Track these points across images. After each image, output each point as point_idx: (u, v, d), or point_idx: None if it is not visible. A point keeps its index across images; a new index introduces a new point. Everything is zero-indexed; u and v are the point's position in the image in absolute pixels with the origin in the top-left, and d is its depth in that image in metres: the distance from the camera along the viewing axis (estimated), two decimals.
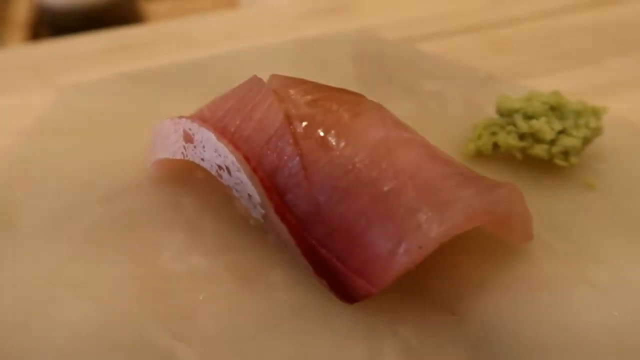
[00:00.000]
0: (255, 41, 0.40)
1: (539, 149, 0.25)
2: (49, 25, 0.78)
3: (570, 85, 0.33)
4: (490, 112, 0.28)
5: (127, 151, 0.28)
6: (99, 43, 0.42)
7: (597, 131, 0.25)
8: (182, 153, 0.22)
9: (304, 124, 0.19)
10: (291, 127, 0.19)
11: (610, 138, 0.27)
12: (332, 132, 0.19)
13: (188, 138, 0.21)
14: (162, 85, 0.34)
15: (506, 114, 0.26)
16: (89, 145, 0.29)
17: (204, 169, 0.25)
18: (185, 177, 0.26)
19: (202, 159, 0.21)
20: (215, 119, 0.21)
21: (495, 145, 0.26)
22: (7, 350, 0.19)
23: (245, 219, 0.23)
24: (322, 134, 0.19)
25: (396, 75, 0.34)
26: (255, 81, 0.22)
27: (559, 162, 0.25)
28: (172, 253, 0.23)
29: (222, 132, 0.20)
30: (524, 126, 0.25)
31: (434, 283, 0.21)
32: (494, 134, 0.26)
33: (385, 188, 0.18)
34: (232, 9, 0.85)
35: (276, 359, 0.19)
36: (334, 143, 0.19)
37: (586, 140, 0.25)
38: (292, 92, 0.20)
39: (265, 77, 0.23)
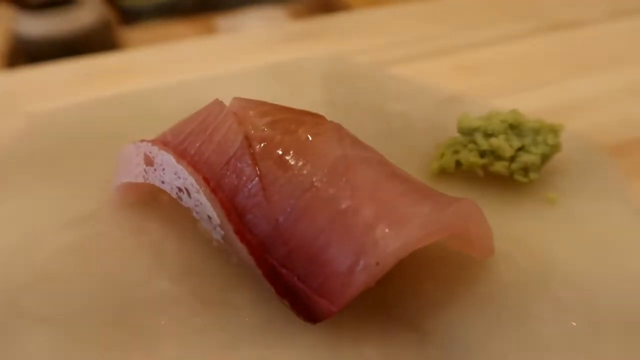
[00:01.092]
0: (228, 67, 0.40)
1: (499, 166, 0.25)
2: (26, 54, 0.78)
3: (532, 105, 0.34)
4: (454, 132, 0.29)
5: (94, 177, 0.28)
6: (74, 70, 0.42)
7: (555, 148, 0.26)
8: (143, 176, 0.22)
9: (263, 144, 0.20)
10: (250, 148, 0.19)
11: (569, 155, 0.28)
12: (291, 152, 0.19)
13: (148, 161, 0.21)
14: (133, 111, 0.34)
15: (467, 133, 0.27)
16: (55, 172, 0.29)
17: (168, 193, 0.25)
18: (150, 201, 0.26)
19: (162, 182, 0.21)
20: (176, 142, 0.21)
21: (458, 163, 0.27)
22: None
23: (208, 241, 0.23)
24: (280, 154, 0.19)
25: (364, 98, 0.34)
26: (216, 104, 0.22)
27: (519, 178, 0.25)
28: (137, 278, 0.23)
29: (182, 154, 0.20)
30: (484, 144, 0.26)
31: (396, 300, 0.21)
32: (456, 152, 0.27)
33: (343, 206, 0.18)
34: (210, 34, 0.86)
35: None
36: (292, 163, 0.19)
37: (545, 157, 0.26)
38: (251, 113, 0.21)
39: None
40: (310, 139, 0.20)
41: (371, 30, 0.49)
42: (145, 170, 0.21)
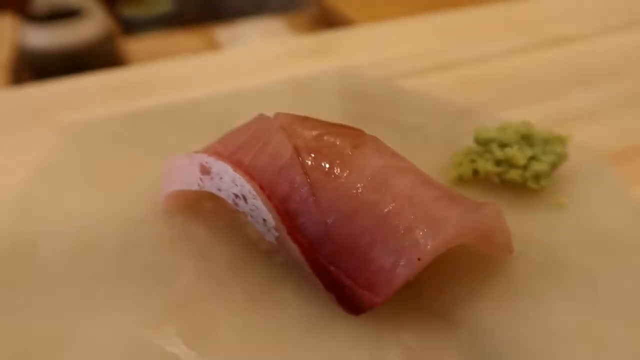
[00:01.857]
0: (248, 81, 0.43)
1: (513, 174, 0.28)
2: (31, 66, 0.80)
3: (538, 116, 0.37)
4: (467, 142, 0.32)
5: (138, 185, 0.30)
6: (99, 83, 0.45)
7: (563, 157, 0.29)
8: (198, 184, 0.24)
9: (311, 155, 0.22)
10: (300, 158, 0.22)
11: (576, 163, 0.31)
12: (336, 162, 0.22)
13: (204, 170, 0.24)
14: (160, 124, 0.37)
15: (483, 143, 0.29)
16: (99, 181, 0.31)
17: (211, 200, 0.28)
18: (194, 209, 0.28)
19: (219, 189, 0.23)
20: (228, 152, 0.23)
21: (475, 172, 0.29)
22: None
23: (254, 244, 0.26)
24: (327, 164, 0.22)
25: (380, 111, 0.37)
26: (262, 119, 0.24)
27: (532, 185, 0.28)
28: (188, 278, 0.25)
29: (238, 164, 0.23)
30: (499, 153, 0.28)
31: (429, 294, 0.24)
32: (473, 161, 0.30)
33: (385, 210, 0.21)
34: (211, 46, 0.89)
35: None
36: (338, 172, 0.22)
37: (554, 165, 0.29)
38: (298, 128, 0.23)
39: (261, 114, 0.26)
40: (352, 150, 0.22)
41: (377, 44, 0.52)
42: (201, 179, 0.24)
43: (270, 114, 0.25)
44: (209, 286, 0.24)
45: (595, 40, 0.50)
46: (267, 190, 0.22)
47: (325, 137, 0.23)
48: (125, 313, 0.23)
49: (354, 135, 0.23)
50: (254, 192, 0.22)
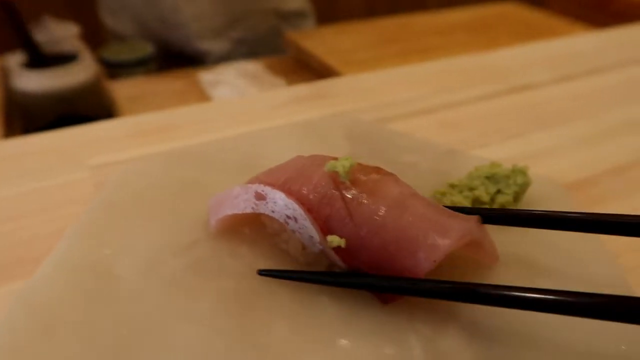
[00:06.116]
0: (261, 123, 0.51)
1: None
2: (22, 109, 0.86)
3: (505, 153, 0.48)
4: (456, 176, 0.41)
5: (182, 216, 0.37)
6: (121, 127, 0.52)
7: (524, 186, 0.38)
8: (253, 208, 0.32)
9: (346, 185, 0.30)
10: (337, 187, 0.30)
11: (539, 191, 0.41)
12: (365, 190, 0.30)
13: (260, 197, 0.31)
14: (193, 164, 0.44)
15: (458, 186, 0.39)
16: (150, 213, 0.38)
17: (250, 227, 0.35)
18: (238, 233, 0.35)
19: (273, 211, 0.31)
20: (280, 183, 0.31)
21: (452, 204, 0.39)
22: None
23: (295, 259, 0.33)
24: (358, 192, 0.30)
25: (380, 150, 0.46)
26: (302, 158, 0.33)
27: None
28: (235, 285, 0.32)
29: (288, 192, 0.31)
30: (469, 194, 0.38)
31: None
32: (451, 195, 0.39)
33: (405, 222, 0.29)
34: (195, 91, 0.97)
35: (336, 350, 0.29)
36: (367, 197, 0.30)
37: (517, 194, 0.38)
38: None
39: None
40: (376, 182, 0.31)
41: (368, 92, 0.61)
42: (255, 204, 0.32)
43: (289, 153, 0.34)
44: (255, 291, 0.32)
45: (552, 88, 0.62)
46: (313, 213, 0.30)
47: (356, 172, 0.31)
48: (197, 325, 0.30)
49: (376, 170, 0.32)
50: (304, 215, 0.30)
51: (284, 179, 0.32)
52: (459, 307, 0.31)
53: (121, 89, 0.96)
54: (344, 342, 0.29)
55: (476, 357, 0.29)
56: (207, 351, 0.29)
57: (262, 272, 0.32)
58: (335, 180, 0.31)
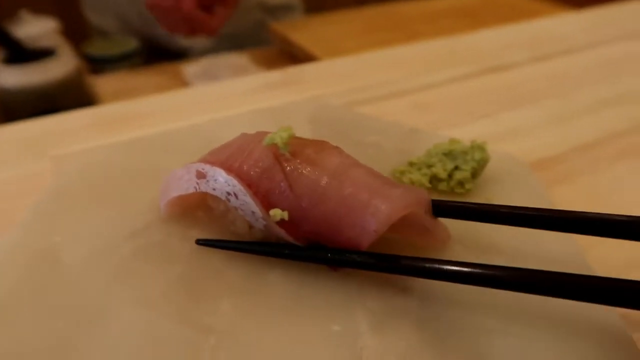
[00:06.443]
0: (228, 111, 0.51)
1: (442, 185, 0.37)
2: (1, 105, 0.86)
3: (474, 133, 0.47)
4: (417, 154, 0.40)
5: (136, 202, 0.37)
6: (86, 117, 0.52)
7: (482, 162, 0.38)
8: (195, 187, 0.31)
9: (287, 159, 0.30)
10: (278, 161, 0.30)
11: (501, 169, 0.40)
12: (306, 162, 0.30)
13: (201, 175, 0.31)
14: (151, 150, 0.43)
15: (417, 164, 0.39)
16: (101, 201, 0.37)
17: (203, 210, 0.35)
18: (189, 216, 0.35)
19: (214, 189, 0.31)
20: (220, 161, 0.31)
21: (411, 182, 0.38)
22: None
23: (242, 237, 0.33)
24: (299, 164, 0.30)
25: (344, 132, 0.45)
26: (246, 135, 0.32)
27: (458, 190, 0.37)
28: (189, 269, 0.32)
29: (229, 169, 0.30)
30: (427, 171, 0.38)
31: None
32: (410, 173, 0.38)
33: (346, 192, 0.29)
34: (179, 85, 0.96)
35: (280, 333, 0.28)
36: (308, 168, 0.30)
37: (475, 170, 0.37)
38: None
39: None
40: (318, 153, 0.30)
41: (338, 77, 0.61)
42: (197, 183, 0.31)
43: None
44: (213, 267, 0.31)
45: (526, 68, 0.61)
46: (253, 187, 0.30)
47: (298, 146, 0.31)
48: (143, 310, 0.30)
49: (319, 144, 0.31)
50: (243, 190, 0.29)
51: (226, 156, 0.31)
52: (412, 282, 0.31)
53: (105, 84, 0.96)
54: (290, 319, 0.29)
55: (422, 334, 0.28)
56: (149, 335, 0.28)
57: (200, 242, 0.32)
58: (276, 153, 0.30)
